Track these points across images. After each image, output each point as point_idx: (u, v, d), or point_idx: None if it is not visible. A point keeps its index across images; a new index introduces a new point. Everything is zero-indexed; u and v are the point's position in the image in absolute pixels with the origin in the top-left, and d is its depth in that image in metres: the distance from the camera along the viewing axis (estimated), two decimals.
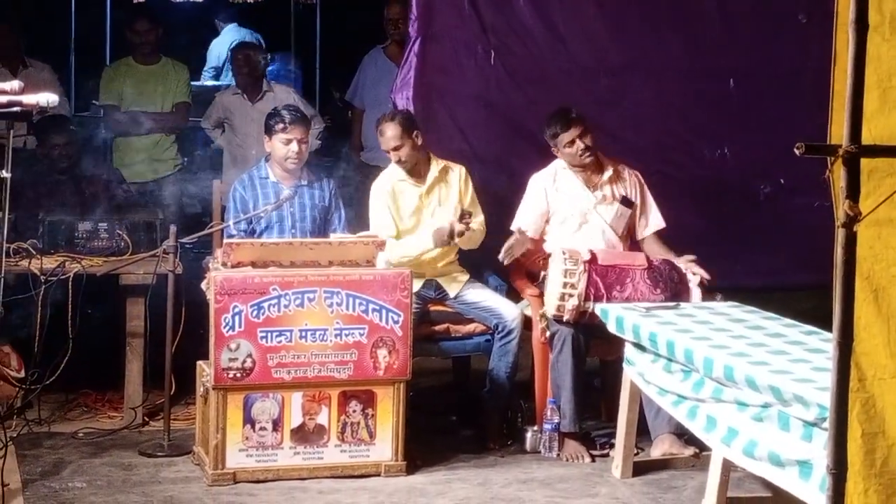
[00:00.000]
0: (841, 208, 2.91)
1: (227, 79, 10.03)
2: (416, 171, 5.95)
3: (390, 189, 5.93)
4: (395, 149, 5.87)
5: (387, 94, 7.00)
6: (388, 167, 6.09)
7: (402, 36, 7.18)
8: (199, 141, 8.47)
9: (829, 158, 2.96)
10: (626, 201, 6.02)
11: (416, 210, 5.95)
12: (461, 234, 5.73)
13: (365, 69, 7.94)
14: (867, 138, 2.97)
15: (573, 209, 5.97)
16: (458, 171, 6.04)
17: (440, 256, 5.95)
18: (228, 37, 10.40)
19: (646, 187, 6.11)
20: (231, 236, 5.68)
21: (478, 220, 5.98)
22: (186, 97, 7.76)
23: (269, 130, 5.91)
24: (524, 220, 6.01)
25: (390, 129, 5.87)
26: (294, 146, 5.86)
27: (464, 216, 5.73)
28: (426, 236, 5.83)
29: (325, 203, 6.02)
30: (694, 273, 5.66)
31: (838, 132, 2.95)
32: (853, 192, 2.90)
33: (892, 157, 3.06)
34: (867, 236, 3.06)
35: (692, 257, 5.74)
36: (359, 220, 6.20)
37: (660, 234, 6.08)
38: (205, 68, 10.36)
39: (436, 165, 5.98)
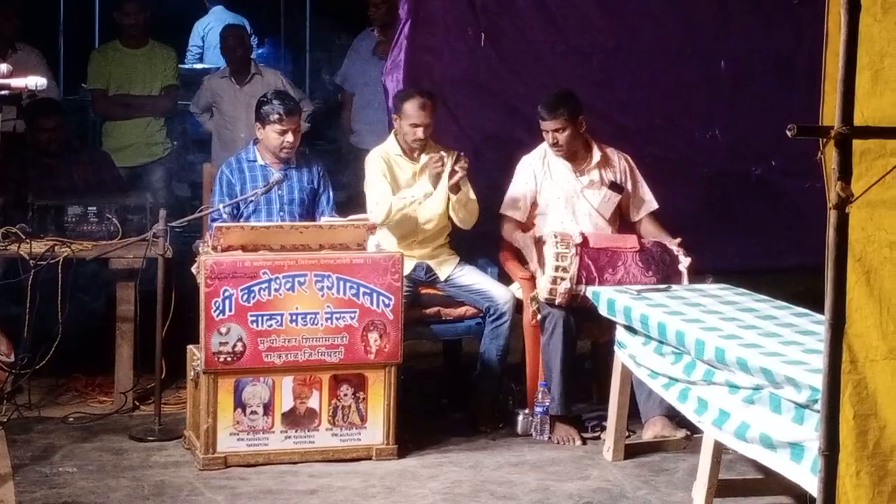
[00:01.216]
0: (833, 190, 2.90)
1: (210, 60, 10.01)
2: (407, 150, 5.94)
3: (386, 159, 5.92)
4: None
5: (376, 76, 6.99)
6: (381, 143, 6.07)
7: (384, 20, 7.19)
8: (188, 124, 8.45)
9: (821, 140, 2.95)
10: (614, 186, 6.01)
11: (408, 186, 5.93)
12: (456, 170, 5.73)
13: (353, 53, 7.92)
14: (859, 119, 2.96)
15: (560, 193, 5.96)
16: (452, 156, 6.02)
17: (434, 235, 5.96)
18: (214, 18, 10.37)
19: (637, 170, 6.10)
20: (214, 220, 5.65)
21: (471, 192, 5.97)
22: (174, 80, 7.73)
23: (262, 119, 5.86)
24: (512, 202, 6.01)
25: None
26: (289, 136, 5.83)
27: (459, 159, 5.75)
28: (422, 180, 5.82)
29: (314, 185, 6.00)
30: (685, 255, 5.66)
31: (830, 113, 2.94)
32: (845, 173, 2.90)
33: (884, 138, 3.06)
34: (859, 218, 3.05)
35: (678, 240, 5.73)
36: (349, 202, 6.18)
37: (654, 215, 6.07)
38: (188, 46, 10.31)
39: (431, 147, 5.97)
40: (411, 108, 5.86)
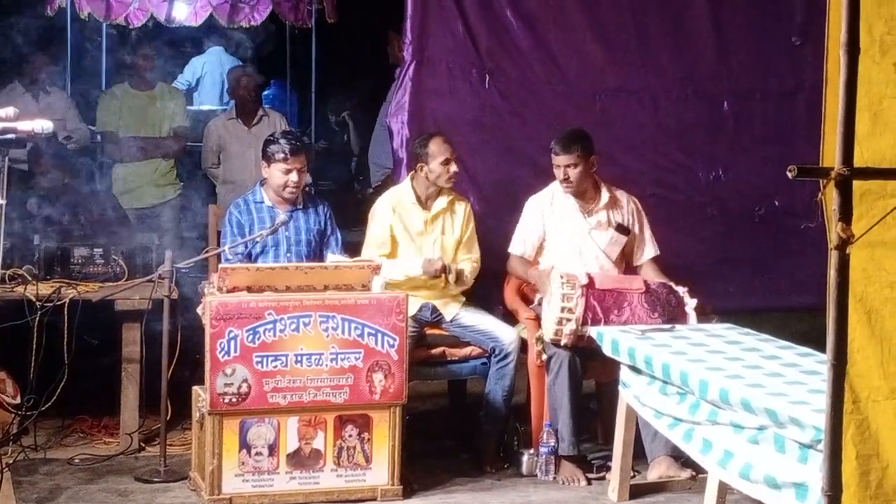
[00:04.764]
0: (834, 231, 2.91)
1: (200, 100, 10.06)
2: (422, 198, 5.96)
3: (395, 207, 5.94)
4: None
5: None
6: (395, 187, 6.10)
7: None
8: (196, 165, 8.50)
9: (821, 181, 2.97)
10: (621, 228, 6.02)
11: (419, 234, 5.95)
12: (450, 278, 5.83)
13: None
14: (859, 160, 2.97)
15: (567, 233, 5.98)
16: (463, 206, 6.05)
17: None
18: (214, 59, 10.43)
19: (644, 214, 6.12)
20: (227, 261, 5.68)
21: (473, 257, 6.01)
22: (183, 121, 7.78)
23: (267, 157, 5.89)
24: (521, 241, 6.03)
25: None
26: (293, 176, 5.85)
27: (459, 276, 5.84)
28: (417, 263, 5.83)
29: (321, 226, 6.01)
30: (692, 297, 5.65)
31: (831, 154, 2.95)
32: (846, 214, 2.91)
33: (884, 178, 3.06)
34: (860, 258, 3.06)
35: (685, 289, 5.72)
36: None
37: (655, 261, 6.08)
38: (179, 79, 10.36)
39: (445, 196, 5.99)
40: (437, 146, 5.88)
